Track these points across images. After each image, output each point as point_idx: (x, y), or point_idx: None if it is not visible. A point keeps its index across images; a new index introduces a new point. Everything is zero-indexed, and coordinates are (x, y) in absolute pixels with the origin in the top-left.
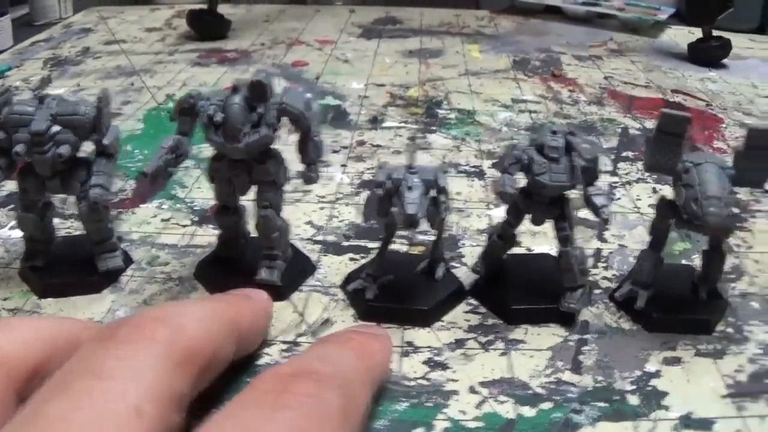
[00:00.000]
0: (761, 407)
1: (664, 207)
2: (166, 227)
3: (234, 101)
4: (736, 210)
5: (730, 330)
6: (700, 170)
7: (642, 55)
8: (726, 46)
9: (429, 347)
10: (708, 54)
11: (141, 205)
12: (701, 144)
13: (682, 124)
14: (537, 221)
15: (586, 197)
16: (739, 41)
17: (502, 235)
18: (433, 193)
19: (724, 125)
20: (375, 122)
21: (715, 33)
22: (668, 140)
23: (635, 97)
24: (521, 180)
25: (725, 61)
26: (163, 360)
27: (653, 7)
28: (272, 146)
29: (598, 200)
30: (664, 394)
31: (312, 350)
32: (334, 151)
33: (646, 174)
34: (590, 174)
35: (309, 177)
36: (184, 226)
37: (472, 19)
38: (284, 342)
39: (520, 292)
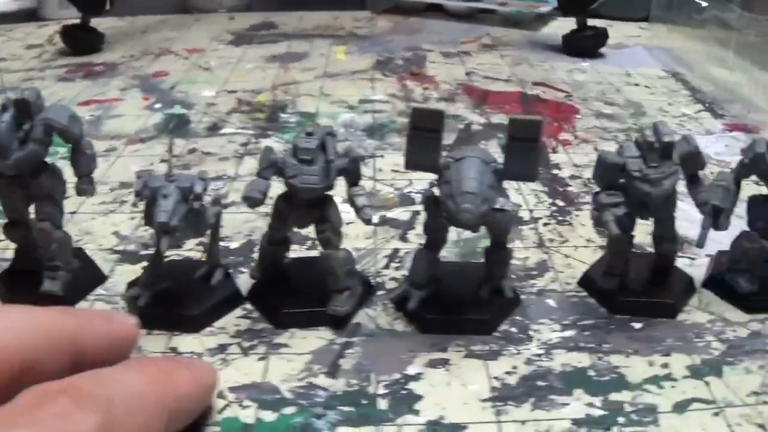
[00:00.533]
0: (523, 412)
1: (430, 205)
2: None
3: (1, 120)
4: (509, 206)
5: (513, 329)
6: (459, 165)
7: (515, 49)
8: (602, 36)
9: (191, 353)
10: (582, 44)
11: None
12: (549, 135)
13: (436, 118)
14: (299, 225)
15: (349, 197)
16: (627, 30)
17: (272, 241)
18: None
19: (578, 116)
20: (213, 129)
21: (599, 22)
22: (425, 136)
23: (491, 91)
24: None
25: (604, 50)
26: None
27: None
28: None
29: (360, 201)
30: (419, 397)
31: (98, 370)
32: (163, 160)
33: None
34: (352, 174)
35: (83, 190)
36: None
37: (349, 20)
38: None
39: (291, 296)
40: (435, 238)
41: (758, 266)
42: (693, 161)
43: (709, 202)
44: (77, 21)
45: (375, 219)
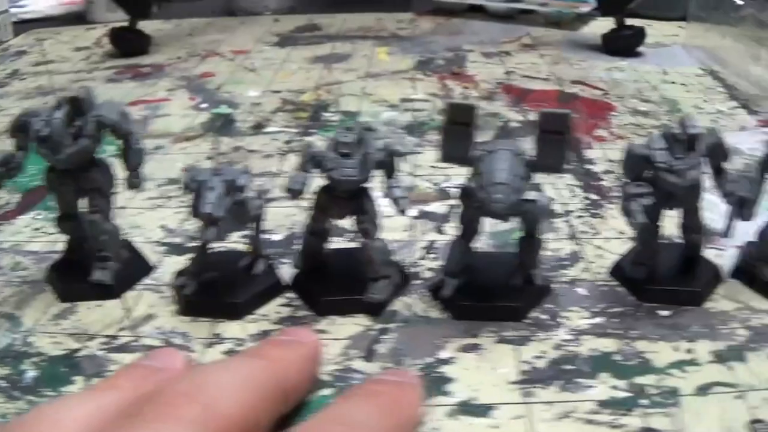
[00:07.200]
0: (550, 393)
1: (465, 195)
2: (34, 236)
3: (55, 116)
4: (544, 200)
5: (544, 316)
6: (491, 158)
7: (554, 49)
8: (639, 35)
9: (234, 339)
10: (621, 43)
11: (19, 216)
12: (583, 133)
13: (469, 112)
14: (338, 215)
15: (386, 189)
16: (666, 29)
17: (313, 232)
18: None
19: (614, 113)
20: (257, 128)
21: (638, 22)
22: (458, 130)
23: (529, 90)
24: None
25: (642, 49)
26: None
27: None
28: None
29: (396, 192)
30: (450, 380)
31: (332, 409)
32: (209, 158)
33: None
34: (389, 167)
35: (132, 183)
36: (51, 234)
37: (392, 22)
38: (105, 336)
39: (331, 284)
40: (469, 228)
41: None
42: (718, 153)
43: (735, 193)
44: (125, 24)
45: (413, 212)
